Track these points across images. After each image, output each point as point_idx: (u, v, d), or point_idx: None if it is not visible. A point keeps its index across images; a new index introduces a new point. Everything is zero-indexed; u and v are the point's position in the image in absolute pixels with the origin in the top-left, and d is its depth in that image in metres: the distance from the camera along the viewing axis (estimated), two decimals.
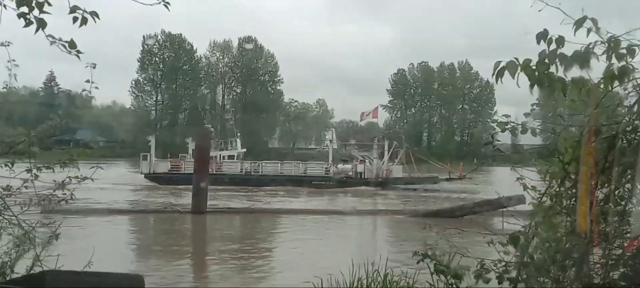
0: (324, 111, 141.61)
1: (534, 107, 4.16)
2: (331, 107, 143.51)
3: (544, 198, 4.15)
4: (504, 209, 16.24)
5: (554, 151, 4.14)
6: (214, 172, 49.35)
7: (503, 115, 4.10)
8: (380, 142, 57.50)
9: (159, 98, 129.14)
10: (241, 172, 52.44)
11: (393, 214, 31.07)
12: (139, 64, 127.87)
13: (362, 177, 51.44)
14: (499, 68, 3.29)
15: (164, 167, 52.10)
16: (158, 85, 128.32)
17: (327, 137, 64.43)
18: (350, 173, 51.99)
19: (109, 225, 26.40)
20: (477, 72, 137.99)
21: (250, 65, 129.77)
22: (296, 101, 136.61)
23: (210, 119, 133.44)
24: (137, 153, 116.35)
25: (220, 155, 55.64)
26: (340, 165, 53.14)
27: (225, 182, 47.55)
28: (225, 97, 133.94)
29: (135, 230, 27.55)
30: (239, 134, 66.52)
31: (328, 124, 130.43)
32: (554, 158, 4.10)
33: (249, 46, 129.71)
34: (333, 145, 57.91)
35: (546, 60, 3.23)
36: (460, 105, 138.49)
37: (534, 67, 3.25)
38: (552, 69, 3.25)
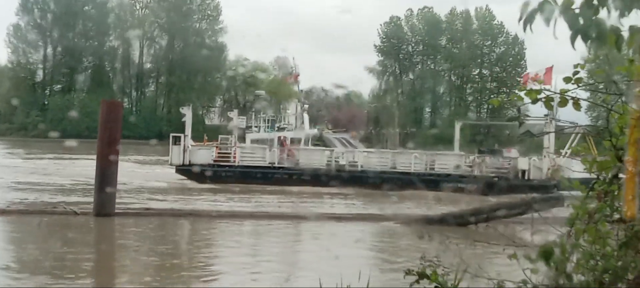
0: (285, 74, 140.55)
1: (578, 68, 4.10)
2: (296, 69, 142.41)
3: (589, 198, 4.17)
4: (535, 214, 16.40)
5: (604, 132, 4.13)
6: (282, 165, 48.09)
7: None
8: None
9: (48, 51, 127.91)
10: (328, 165, 48.33)
11: (381, 221, 31.27)
12: (19, 2, 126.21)
13: (525, 176, 46.74)
14: (528, 12, 3.26)
15: (206, 156, 49.13)
16: (47, 34, 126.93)
17: (288, 111, 62.72)
18: (505, 170, 47.90)
19: None
20: (501, 22, 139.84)
21: (181, 7, 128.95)
22: (247, 59, 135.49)
23: (122, 83, 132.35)
24: (15, 130, 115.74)
25: (285, 139, 53.03)
26: (488, 158, 48.91)
27: (305, 181, 44.20)
28: (144, 51, 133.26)
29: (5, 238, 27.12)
30: (306, 106, 63.32)
31: (292, 93, 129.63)
32: (605, 142, 4.10)
33: None
34: (302, 123, 56.48)
35: (595, 1, 3.22)
36: (478, 70, 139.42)
37: (577, 11, 3.24)
38: (604, 13, 3.24)
